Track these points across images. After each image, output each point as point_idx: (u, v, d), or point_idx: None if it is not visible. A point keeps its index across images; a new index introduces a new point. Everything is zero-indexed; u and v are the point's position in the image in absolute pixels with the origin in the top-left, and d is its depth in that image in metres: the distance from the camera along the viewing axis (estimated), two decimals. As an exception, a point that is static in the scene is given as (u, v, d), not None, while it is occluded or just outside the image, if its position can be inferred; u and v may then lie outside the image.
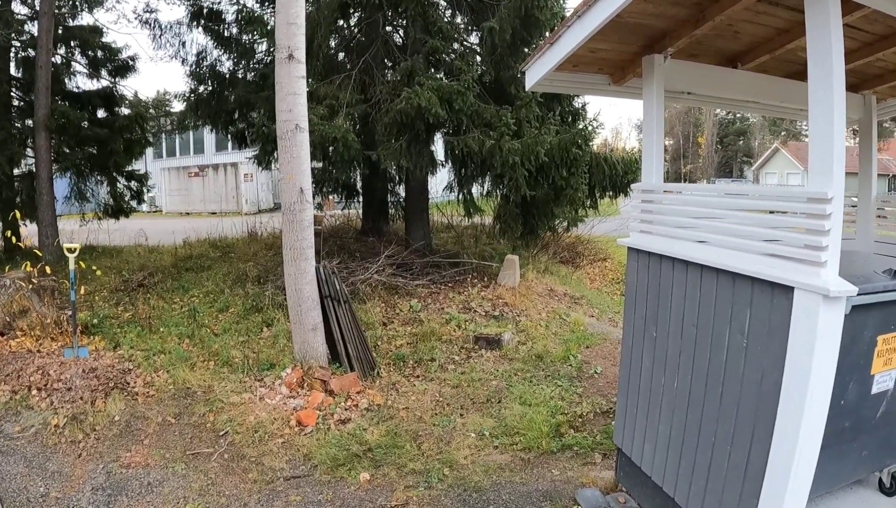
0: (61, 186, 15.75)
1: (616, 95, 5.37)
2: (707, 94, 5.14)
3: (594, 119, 16.29)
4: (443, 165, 11.83)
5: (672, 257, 4.00)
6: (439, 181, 13.34)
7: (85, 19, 16.70)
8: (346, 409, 6.82)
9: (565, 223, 14.66)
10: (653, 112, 4.47)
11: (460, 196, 11.86)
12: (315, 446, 6.03)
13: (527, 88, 5.11)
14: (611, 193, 12.73)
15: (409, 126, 9.99)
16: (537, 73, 4.78)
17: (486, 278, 11.39)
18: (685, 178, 71.01)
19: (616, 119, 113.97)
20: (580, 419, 6.63)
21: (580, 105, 13.03)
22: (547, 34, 11.01)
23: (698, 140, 74.42)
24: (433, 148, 11.24)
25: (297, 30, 7.30)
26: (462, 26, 13.03)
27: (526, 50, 10.99)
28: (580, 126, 12.13)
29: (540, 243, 14.23)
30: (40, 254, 11.11)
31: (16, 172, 15.38)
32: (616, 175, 12.21)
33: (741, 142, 75.98)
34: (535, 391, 7.39)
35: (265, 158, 10.62)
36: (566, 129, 11.51)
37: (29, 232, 14.05)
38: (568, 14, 11.74)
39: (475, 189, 12.31)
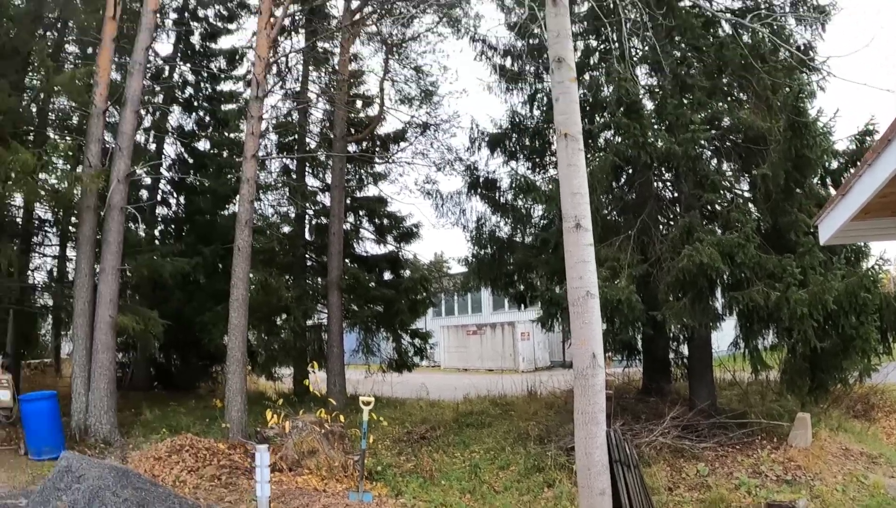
0: (349, 339, 17.40)
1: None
2: None
3: (880, 257, 14.88)
4: (723, 318, 11.51)
5: None
6: (720, 334, 12.90)
7: (371, 190, 19.07)
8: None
9: (856, 374, 13.31)
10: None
11: (745, 351, 11.34)
12: None
13: (821, 243, 4.98)
14: (905, 335, 11.44)
15: (691, 284, 9.96)
16: (831, 227, 4.66)
17: (775, 439, 10.65)
18: None
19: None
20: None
21: (862, 242, 12.09)
22: (820, 172, 10.98)
23: None
24: (715, 303, 11.03)
25: (581, 199, 7.63)
26: (730, 173, 12.91)
27: (798, 191, 10.76)
28: (865, 266, 11.45)
29: (830, 398, 13.07)
30: (332, 402, 12.20)
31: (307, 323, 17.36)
32: (909, 315, 11.00)
33: None
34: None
35: (548, 321, 10.99)
36: (850, 271, 10.89)
37: (317, 378, 15.50)
38: (838, 147, 11.32)
39: (759, 341, 11.73)
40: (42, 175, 13.12)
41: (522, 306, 14.14)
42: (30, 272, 17.97)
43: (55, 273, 18.39)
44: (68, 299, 15.31)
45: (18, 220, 16.74)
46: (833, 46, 14.14)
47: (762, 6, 12.82)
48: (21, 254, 15.32)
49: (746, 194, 12.28)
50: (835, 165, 11.76)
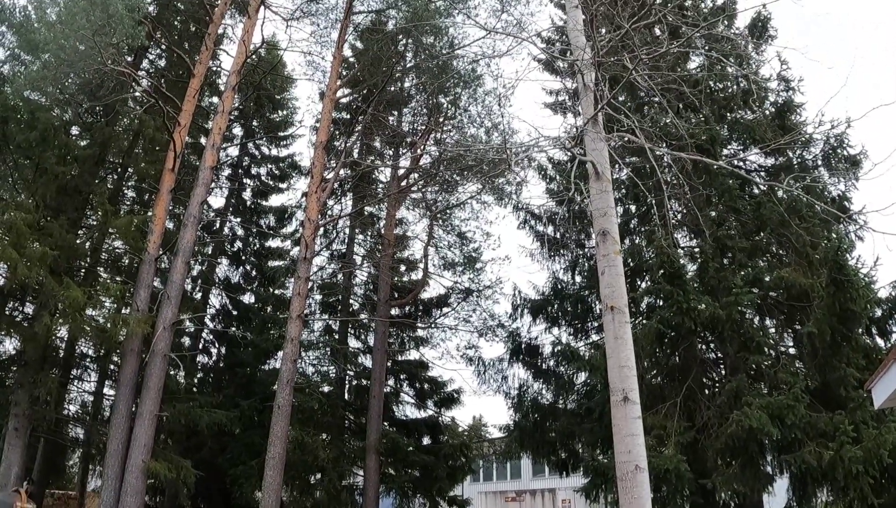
0: (385, 503, 16.88)
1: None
2: None
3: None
4: (774, 479, 11.12)
5: None
6: (771, 495, 12.34)
7: (412, 354, 19.01)
8: None
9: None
10: None
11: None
12: None
13: (876, 407, 4.91)
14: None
15: (741, 449, 9.76)
16: (885, 390, 4.58)
17: None
18: None
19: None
20: None
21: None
22: (865, 321, 10.78)
23: None
24: (766, 466, 10.76)
25: (629, 372, 7.52)
26: (773, 330, 12.77)
27: (845, 345, 10.54)
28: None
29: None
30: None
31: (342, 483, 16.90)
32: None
33: None
34: None
35: (594, 492, 10.64)
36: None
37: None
38: (881, 295, 11.11)
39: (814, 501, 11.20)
40: (89, 310, 13.35)
41: (564, 472, 13.72)
42: (65, 404, 17.94)
43: (90, 408, 18.35)
44: (101, 435, 15.21)
45: (61, 352, 16.93)
46: (868, 194, 14.23)
47: (795, 163, 13.11)
48: (59, 386, 15.35)
49: (792, 351, 12.09)
50: (878, 312, 11.63)
